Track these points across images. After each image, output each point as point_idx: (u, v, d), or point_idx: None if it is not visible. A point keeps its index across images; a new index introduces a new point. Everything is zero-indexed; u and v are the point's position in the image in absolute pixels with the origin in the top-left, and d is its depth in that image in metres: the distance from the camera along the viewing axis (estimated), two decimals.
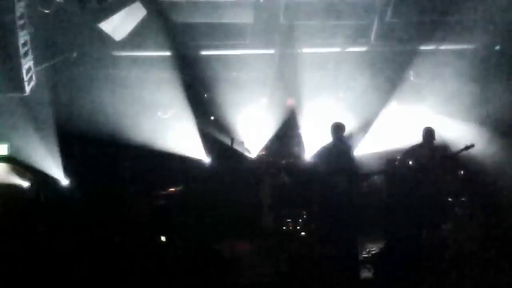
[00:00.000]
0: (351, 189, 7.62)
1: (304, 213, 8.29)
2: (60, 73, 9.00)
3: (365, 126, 10.08)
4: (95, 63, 9.11)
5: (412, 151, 8.28)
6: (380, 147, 9.70)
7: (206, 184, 9.35)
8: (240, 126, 10.00)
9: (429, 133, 8.16)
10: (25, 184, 8.95)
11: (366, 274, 7.01)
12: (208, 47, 9.51)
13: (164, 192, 8.82)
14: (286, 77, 9.75)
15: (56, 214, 8.27)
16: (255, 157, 10.26)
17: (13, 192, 8.53)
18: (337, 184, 7.67)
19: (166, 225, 8.24)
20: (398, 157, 8.47)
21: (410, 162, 8.22)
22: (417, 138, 8.37)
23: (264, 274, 7.15)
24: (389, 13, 8.81)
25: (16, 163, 8.94)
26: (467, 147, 7.88)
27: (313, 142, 8.86)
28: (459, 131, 9.48)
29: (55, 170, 9.12)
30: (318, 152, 8.02)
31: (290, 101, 10.32)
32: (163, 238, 5.95)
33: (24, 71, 7.96)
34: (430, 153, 8.13)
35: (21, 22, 7.73)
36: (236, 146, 8.59)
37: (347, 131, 8.09)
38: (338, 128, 7.93)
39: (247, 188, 9.22)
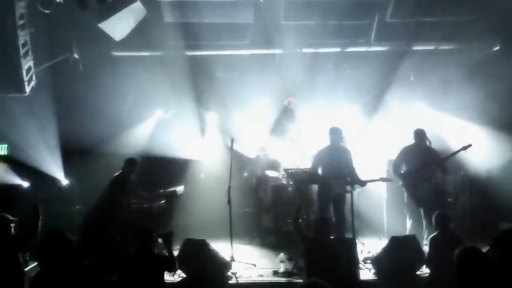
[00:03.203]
0: (347, 193, 7.60)
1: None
2: (60, 73, 8.99)
3: (364, 127, 10.08)
4: (95, 63, 9.10)
5: (406, 153, 8.23)
6: (379, 148, 9.70)
7: None
8: (239, 126, 10.01)
9: (420, 135, 8.13)
10: (25, 184, 8.96)
11: (366, 274, 7.00)
12: (208, 47, 9.50)
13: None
14: (286, 77, 9.75)
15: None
16: (254, 157, 10.28)
17: None
18: (334, 188, 7.68)
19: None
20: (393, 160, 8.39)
21: (403, 170, 8.15)
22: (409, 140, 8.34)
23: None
24: (389, 13, 8.80)
25: (16, 163, 8.94)
26: (464, 147, 7.84)
27: (311, 144, 8.85)
28: (459, 131, 9.48)
29: (55, 170, 9.13)
30: (315, 155, 8.03)
31: (290, 101, 10.32)
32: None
33: (24, 71, 7.96)
34: (425, 154, 8.09)
35: (21, 22, 7.72)
36: (235, 147, 8.56)
37: (345, 133, 8.10)
38: (335, 132, 7.93)
39: None
